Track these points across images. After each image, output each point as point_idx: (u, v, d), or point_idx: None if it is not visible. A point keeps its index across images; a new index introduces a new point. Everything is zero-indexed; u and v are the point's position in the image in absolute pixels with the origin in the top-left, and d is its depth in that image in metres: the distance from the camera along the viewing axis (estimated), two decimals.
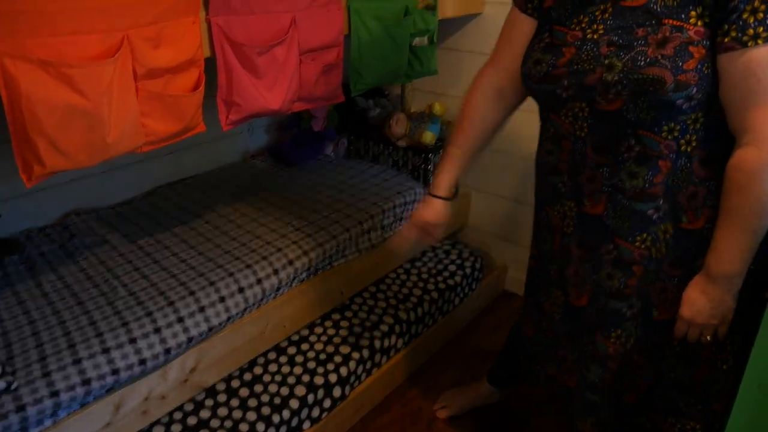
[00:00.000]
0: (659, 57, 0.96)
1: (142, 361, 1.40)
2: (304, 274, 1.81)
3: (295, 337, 1.88)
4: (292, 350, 1.84)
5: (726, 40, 0.94)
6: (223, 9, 1.38)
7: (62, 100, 1.16)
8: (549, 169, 1.23)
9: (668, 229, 1.11)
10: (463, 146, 1.32)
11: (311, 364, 1.78)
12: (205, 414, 1.59)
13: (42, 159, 1.19)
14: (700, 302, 1.09)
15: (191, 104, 1.39)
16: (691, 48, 0.96)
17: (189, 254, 1.78)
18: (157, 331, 1.45)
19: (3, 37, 1.08)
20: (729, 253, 1.03)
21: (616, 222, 1.13)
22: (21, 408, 1.22)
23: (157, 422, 1.54)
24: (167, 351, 1.45)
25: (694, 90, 0.97)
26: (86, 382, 1.31)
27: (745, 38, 0.91)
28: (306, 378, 1.73)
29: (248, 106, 1.49)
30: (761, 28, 0.90)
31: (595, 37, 1.04)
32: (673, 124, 1.02)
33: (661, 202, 1.08)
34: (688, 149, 1.05)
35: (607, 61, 1.01)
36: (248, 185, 2.29)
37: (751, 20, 0.90)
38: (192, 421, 1.57)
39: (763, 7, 0.90)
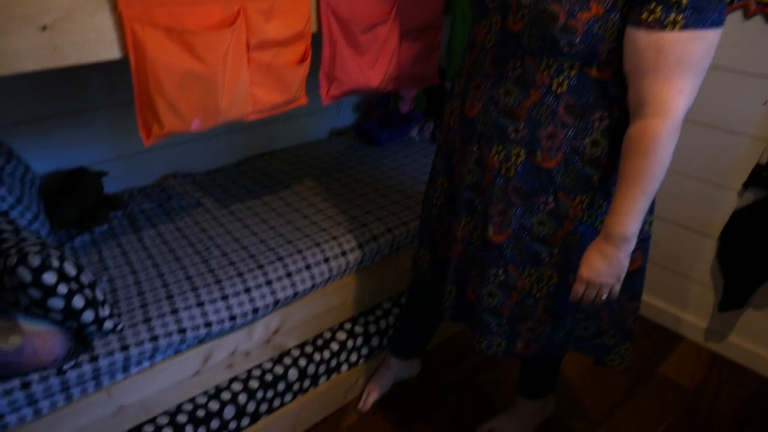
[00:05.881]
0: None
1: (233, 317, 1.48)
2: (387, 250, 1.86)
3: (379, 312, 1.94)
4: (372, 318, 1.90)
5: (650, 18, 0.99)
6: None
7: (183, 65, 1.24)
8: (457, 73, 1.33)
9: (520, 154, 1.19)
10: None
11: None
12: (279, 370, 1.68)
13: (161, 119, 1.27)
14: (598, 263, 1.15)
15: (297, 76, 1.44)
16: (591, 3, 1.02)
17: (277, 222, 1.85)
18: (247, 291, 1.53)
19: (135, 5, 1.16)
20: (629, 215, 1.09)
21: (483, 128, 1.22)
22: (125, 348, 1.32)
23: (236, 378, 1.64)
24: (255, 311, 1.53)
25: (578, 39, 1.04)
26: (182, 330, 1.40)
27: (666, 22, 0.98)
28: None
29: (349, 82, 1.53)
30: (680, 16, 0.96)
31: None
32: (551, 61, 1.10)
33: (521, 125, 1.17)
34: (558, 90, 1.12)
35: None
36: (334, 162, 2.35)
37: (675, 8, 0.97)
38: (268, 377, 1.65)
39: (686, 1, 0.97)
